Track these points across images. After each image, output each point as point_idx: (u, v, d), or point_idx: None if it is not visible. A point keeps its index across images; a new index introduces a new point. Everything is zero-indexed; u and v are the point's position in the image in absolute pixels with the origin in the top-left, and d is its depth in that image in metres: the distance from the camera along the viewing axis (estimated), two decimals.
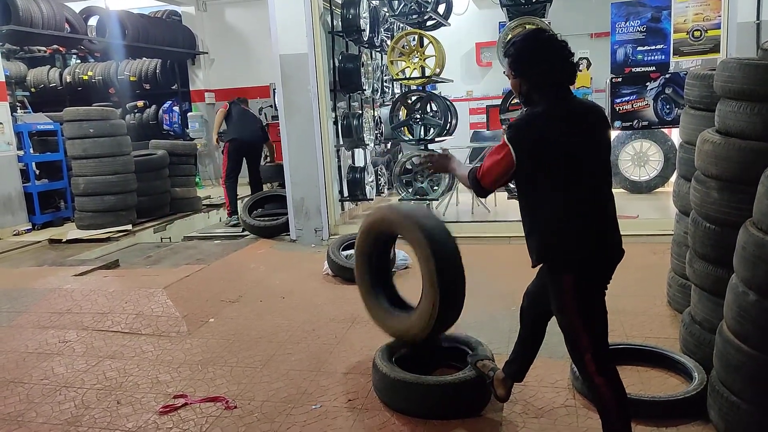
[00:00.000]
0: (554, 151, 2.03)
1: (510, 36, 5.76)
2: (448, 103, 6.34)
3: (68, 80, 11.49)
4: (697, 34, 5.97)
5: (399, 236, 2.97)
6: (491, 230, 5.76)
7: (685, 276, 3.36)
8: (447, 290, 2.66)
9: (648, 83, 6.25)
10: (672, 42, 6.18)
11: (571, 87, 2.18)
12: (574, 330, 2.09)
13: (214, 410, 2.83)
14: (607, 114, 2.18)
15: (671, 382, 2.84)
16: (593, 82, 8.52)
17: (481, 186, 2.16)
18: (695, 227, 2.88)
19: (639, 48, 6.29)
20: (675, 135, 6.92)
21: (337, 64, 6.26)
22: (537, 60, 2.09)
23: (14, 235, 7.10)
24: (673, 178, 6.98)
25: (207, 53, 11.63)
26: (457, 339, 3.04)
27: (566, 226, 2.06)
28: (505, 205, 6.69)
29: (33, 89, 11.28)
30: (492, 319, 3.76)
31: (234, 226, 7.01)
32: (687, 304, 3.16)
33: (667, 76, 6.22)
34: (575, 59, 2.14)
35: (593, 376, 2.07)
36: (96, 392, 3.09)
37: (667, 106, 6.26)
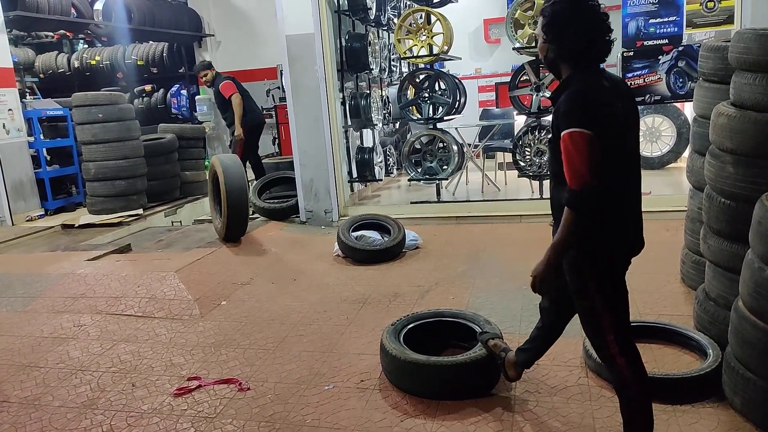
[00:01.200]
0: (606, 124, 1.85)
1: (518, 11, 5.66)
2: (456, 81, 6.26)
3: (76, 65, 11.46)
4: (710, 5, 5.82)
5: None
6: (502, 209, 5.71)
7: (699, 252, 3.32)
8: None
9: (660, 56, 6.12)
10: (685, 14, 6.03)
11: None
12: (595, 313, 2.00)
13: (228, 392, 2.86)
14: None
15: (685, 359, 2.82)
16: (611, 57, 8.36)
17: (586, 192, 1.81)
18: (710, 202, 2.83)
19: (651, 20, 6.13)
20: (688, 109, 6.80)
21: (343, 43, 6.19)
22: (573, 28, 1.91)
23: (27, 220, 7.17)
24: (686, 153, 6.89)
25: (213, 36, 11.54)
26: (465, 316, 3.03)
27: (610, 215, 1.92)
28: (515, 184, 6.64)
29: (41, 75, 11.28)
30: (503, 298, 3.74)
31: None
32: (701, 281, 3.13)
33: (680, 48, 6.07)
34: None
35: (615, 357, 2.00)
36: (111, 375, 3.13)
37: (680, 80, 6.13)
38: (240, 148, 7.07)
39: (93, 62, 11.39)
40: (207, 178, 5.35)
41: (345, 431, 2.47)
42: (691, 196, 3.57)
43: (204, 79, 7.25)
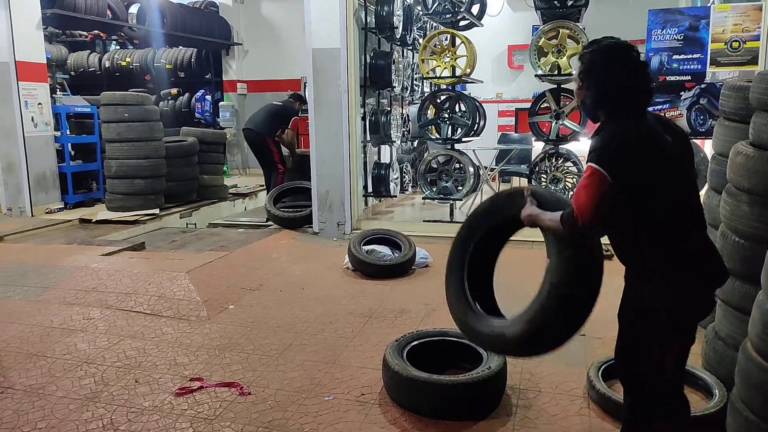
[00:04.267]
0: (649, 169, 1.81)
1: (542, 39, 5.71)
2: (477, 103, 6.31)
3: (107, 65, 11.75)
4: (735, 44, 5.82)
5: None
6: (514, 234, 5.70)
7: None
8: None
9: (682, 93, 6.11)
10: (709, 52, 6.04)
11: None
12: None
13: (229, 395, 2.88)
14: None
15: (690, 398, 2.76)
16: None
17: (579, 225, 1.80)
18: (724, 241, 2.82)
19: (675, 56, 6.14)
20: (707, 147, 6.76)
21: (368, 60, 6.28)
22: (611, 76, 1.87)
23: (47, 212, 7.31)
24: (703, 190, 6.85)
25: (241, 44, 11.77)
26: None
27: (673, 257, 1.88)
28: None
29: (73, 72, 11.56)
30: None
31: None
32: (711, 320, 3.09)
33: (703, 86, 6.07)
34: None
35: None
36: (116, 370, 3.16)
37: (701, 117, 6.11)
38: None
39: (123, 63, 11.66)
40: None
41: None
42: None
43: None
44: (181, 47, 11.63)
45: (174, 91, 11.89)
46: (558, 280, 2.01)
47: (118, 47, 12.44)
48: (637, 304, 1.94)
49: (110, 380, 3.04)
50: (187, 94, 11.80)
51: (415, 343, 2.97)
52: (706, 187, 3.60)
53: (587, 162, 1.84)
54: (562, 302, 2.01)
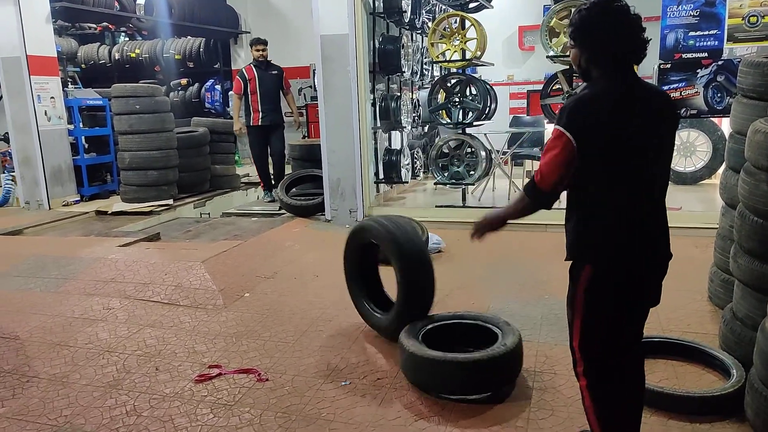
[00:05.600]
0: (606, 137, 1.80)
1: (554, 19, 5.63)
2: (487, 86, 6.24)
3: (117, 57, 11.79)
4: (753, 20, 5.71)
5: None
6: (528, 217, 5.67)
7: (728, 271, 3.26)
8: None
9: (699, 70, 6.01)
10: (726, 28, 5.92)
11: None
12: (571, 325, 1.98)
13: (247, 381, 2.92)
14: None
15: (708, 378, 2.77)
16: (639, 68, 8.25)
17: (541, 192, 1.84)
18: (742, 221, 2.78)
19: (691, 33, 6.03)
20: (725, 125, 6.66)
21: (377, 45, 6.24)
22: (599, 29, 1.84)
23: (63, 205, 7.40)
24: (721, 169, 6.76)
25: (249, 33, 11.73)
26: (485, 319, 3.03)
27: (603, 221, 1.88)
28: None
29: (83, 65, 11.62)
30: (524, 305, 3.73)
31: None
32: (729, 300, 3.07)
33: (720, 63, 5.96)
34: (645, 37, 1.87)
35: (578, 375, 2.00)
36: (136, 358, 3.22)
37: (718, 95, 6.01)
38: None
39: (133, 55, 11.70)
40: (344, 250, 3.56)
41: (359, 427, 2.50)
42: (723, 213, 3.50)
43: (259, 54, 6.97)
44: (189, 37, 11.63)
45: (184, 81, 11.91)
46: (403, 280, 3.09)
47: (127, 39, 12.47)
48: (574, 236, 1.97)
49: (132, 368, 3.10)
50: (196, 85, 11.82)
51: (431, 326, 2.99)
52: (723, 166, 3.55)
53: (555, 124, 1.83)
54: (410, 294, 3.11)
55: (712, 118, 6.59)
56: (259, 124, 6.93)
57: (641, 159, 1.86)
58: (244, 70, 6.98)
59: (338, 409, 2.64)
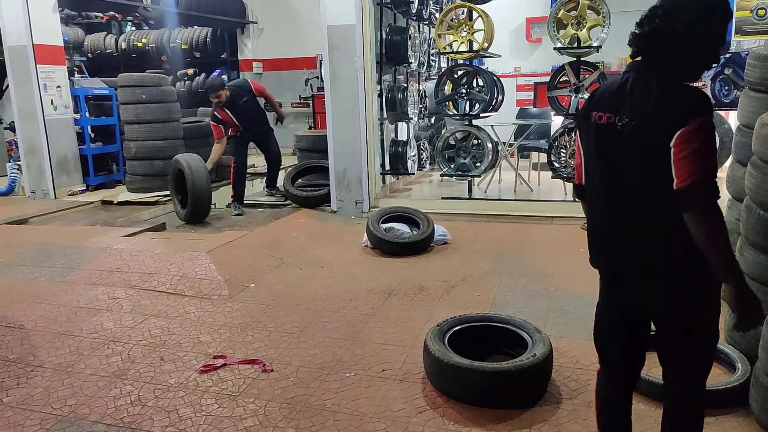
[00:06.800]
0: (580, 131, 1.81)
1: (561, 11, 5.58)
2: (495, 78, 6.20)
3: (123, 47, 11.78)
4: (761, 12, 5.64)
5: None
6: (534, 209, 5.66)
7: None
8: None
9: None
10: (734, 20, 5.86)
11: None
12: None
13: (252, 372, 2.93)
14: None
15: (713, 372, 2.70)
16: None
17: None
18: (748, 214, 2.76)
19: None
20: (732, 118, 6.60)
21: (384, 36, 6.20)
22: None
23: (69, 194, 7.43)
24: (727, 163, 6.71)
25: (256, 23, 11.71)
26: (514, 323, 2.92)
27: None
28: (548, 185, 6.56)
29: (90, 55, 11.63)
30: (530, 298, 3.72)
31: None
32: None
33: (728, 55, 5.90)
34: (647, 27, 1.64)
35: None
36: (141, 348, 3.24)
37: (726, 88, 5.96)
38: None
39: (139, 44, 11.68)
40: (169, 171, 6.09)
41: (363, 418, 2.51)
42: (730, 206, 3.48)
43: (218, 100, 6.05)
44: (196, 27, 11.60)
45: (190, 71, 11.89)
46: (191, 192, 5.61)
47: (133, 28, 12.45)
48: None
49: (136, 358, 3.12)
50: (203, 75, 11.79)
51: (457, 327, 2.89)
52: (730, 159, 3.52)
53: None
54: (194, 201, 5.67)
55: (719, 112, 6.54)
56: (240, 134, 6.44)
57: (597, 161, 1.81)
58: (215, 113, 6.20)
59: (343, 400, 2.64)
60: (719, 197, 1.57)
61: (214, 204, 6.59)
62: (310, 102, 10.93)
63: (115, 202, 6.97)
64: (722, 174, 6.89)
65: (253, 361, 3.02)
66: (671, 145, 1.55)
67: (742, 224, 2.84)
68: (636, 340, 1.89)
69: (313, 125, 10.63)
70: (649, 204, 1.66)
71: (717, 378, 2.68)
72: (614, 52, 7.97)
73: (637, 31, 1.68)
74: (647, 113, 1.61)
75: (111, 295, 4.00)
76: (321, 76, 10.69)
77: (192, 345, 3.26)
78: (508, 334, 2.91)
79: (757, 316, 1.62)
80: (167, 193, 7.07)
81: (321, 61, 10.51)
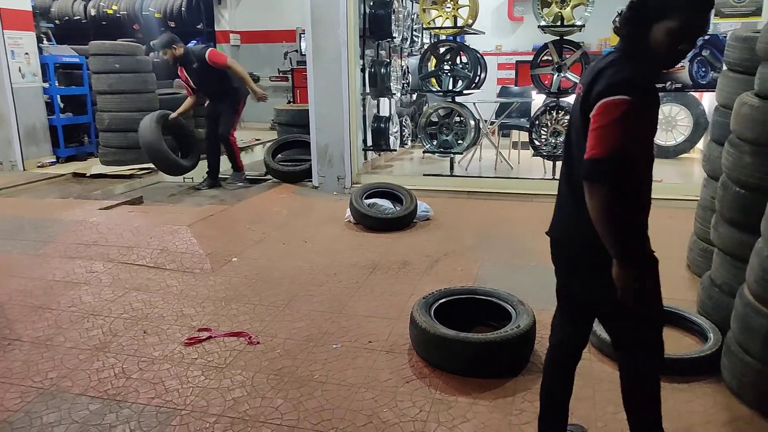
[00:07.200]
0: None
1: None
2: (478, 55, 6.19)
3: (92, 14, 11.37)
4: None
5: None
6: (515, 187, 5.72)
7: (708, 240, 3.35)
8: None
9: None
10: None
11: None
12: None
13: (238, 344, 2.93)
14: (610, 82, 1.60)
15: (686, 342, 2.87)
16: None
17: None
18: (724, 191, 2.85)
19: None
20: (706, 99, 6.74)
21: (367, 10, 6.12)
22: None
23: (39, 166, 7.23)
24: (701, 144, 6.87)
25: None
26: (499, 296, 2.98)
27: None
28: (528, 163, 6.63)
29: (57, 21, 11.19)
30: (513, 273, 3.79)
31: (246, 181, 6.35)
32: (707, 268, 3.16)
33: (706, 37, 5.99)
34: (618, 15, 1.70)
35: None
36: (123, 321, 3.20)
37: (703, 69, 6.06)
38: (236, 117, 6.25)
39: (110, 11, 11.30)
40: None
41: (351, 388, 2.54)
42: (705, 185, 3.58)
43: (166, 57, 5.99)
44: None
45: None
46: None
47: None
48: None
49: (118, 331, 3.09)
50: None
51: (443, 300, 2.94)
52: (706, 138, 3.59)
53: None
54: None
55: (693, 93, 6.66)
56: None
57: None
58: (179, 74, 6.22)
59: (330, 371, 2.67)
60: (620, 178, 1.56)
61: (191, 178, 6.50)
62: (290, 76, 10.76)
63: (88, 174, 6.81)
64: (696, 155, 7.06)
65: (239, 334, 3.02)
66: (591, 114, 1.60)
67: (718, 201, 2.93)
68: (570, 314, 1.96)
69: (292, 99, 10.49)
70: (576, 174, 1.71)
71: (690, 347, 2.79)
72: (595, 33, 8.03)
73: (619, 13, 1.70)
74: (587, 84, 1.66)
75: (88, 269, 3.93)
76: (300, 49, 10.54)
77: (175, 318, 3.24)
78: (492, 306, 2.97)
79: (636, 296, 1.65)
80: (144, 165, 6.95)
81: (301, 34, 10.35)
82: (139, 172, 6.79)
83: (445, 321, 2.75)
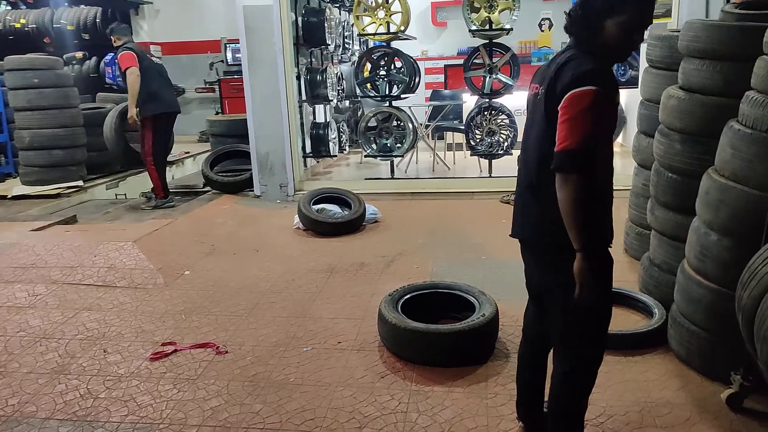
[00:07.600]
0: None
1: None
2: (412, 60, 6.37)
3: None
4: None
5: None
6: (455, 186, 5.92)
7: (643, 225, 3.64)
8: None
9: None
10: None
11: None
12: None
13: (206, 355, 2.89)
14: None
15: (633, 318, 3.11)
16: (554, 43, 8.77)
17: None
18: (658, 177, 3.11)
19: None
20: (623, 97, 7.24)
21: (300, 18, 6.15)
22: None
23: None
24: (620, 138, 7.36)
25: (152, 3, 11.07)
26: (460, 288, 3.10)
27: None
28: (463, 163, 6.88)
29: None
30: (466, 266, 3.94)
31: (165, 207, 5.71)
32: (643, 251, 3.43)
33: None
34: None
35: None
36: (79, 342, 3.07)
37: (623, 68, 6.54)
38: (148, 138, 5.56)
39: (17, 25, 10.63)
40: None
41: (328, 388, 2.58)
42: (636, 173, 3.88)
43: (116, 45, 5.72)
44: (83, 6, 10.73)
45: (79, 54, 10.97)
46: None
47: (9, 7, 11.29)
48: None
49: (76, 353, 2.96)
50: (94, 58, 10.95)
51: (408, 296, 3.02)
52: (622, 134, 3.87)
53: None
54: None
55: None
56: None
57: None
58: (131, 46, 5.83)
59: (305, 373, 2.69)
60: (589, 168, 1.63)
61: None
62: (217, 87, 10.56)
63: (9, 196, 6.39)
64: (616, 149, 7.56)
65: (206, 345, 2.98)
66: (558, 108, 1.67)
67: (652, 186, 3.20)
68: (545, 308, 1.99)
69: (220, 110, 10.29)
70: (536, 166, 1.80)
71: (638, 323, 3.03)
72: (516, 36, 8.43)
73: (569, 13, 1.83)
74: (549, 80, 1.74)
75: (31, 292, 3.73)
76: (227, 60, 10.37)
77: (135, 335, 3.14)
78: (454, 298, 3.09)
79: (593, 292, 1.74)
80: (72, 184, 6.62)
81: (227, 44, 10.19)
82: (66, 191, 6.46)
83: (411, 316, 2.84)
